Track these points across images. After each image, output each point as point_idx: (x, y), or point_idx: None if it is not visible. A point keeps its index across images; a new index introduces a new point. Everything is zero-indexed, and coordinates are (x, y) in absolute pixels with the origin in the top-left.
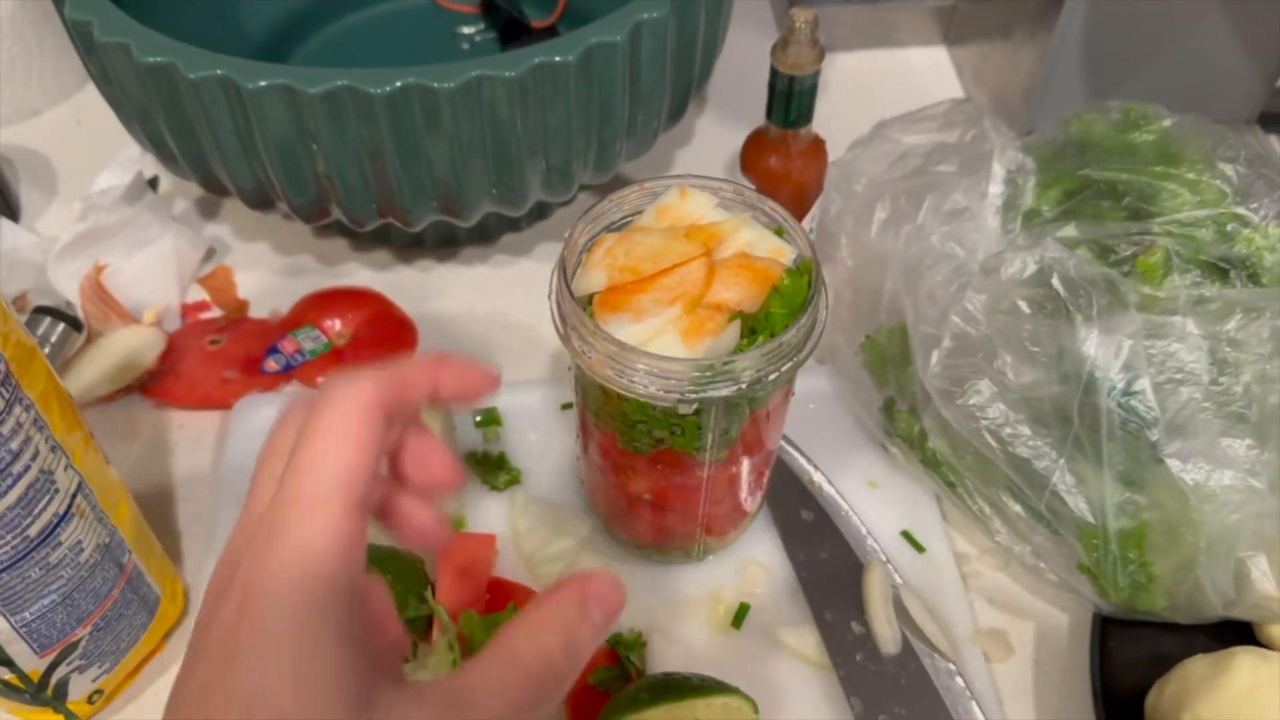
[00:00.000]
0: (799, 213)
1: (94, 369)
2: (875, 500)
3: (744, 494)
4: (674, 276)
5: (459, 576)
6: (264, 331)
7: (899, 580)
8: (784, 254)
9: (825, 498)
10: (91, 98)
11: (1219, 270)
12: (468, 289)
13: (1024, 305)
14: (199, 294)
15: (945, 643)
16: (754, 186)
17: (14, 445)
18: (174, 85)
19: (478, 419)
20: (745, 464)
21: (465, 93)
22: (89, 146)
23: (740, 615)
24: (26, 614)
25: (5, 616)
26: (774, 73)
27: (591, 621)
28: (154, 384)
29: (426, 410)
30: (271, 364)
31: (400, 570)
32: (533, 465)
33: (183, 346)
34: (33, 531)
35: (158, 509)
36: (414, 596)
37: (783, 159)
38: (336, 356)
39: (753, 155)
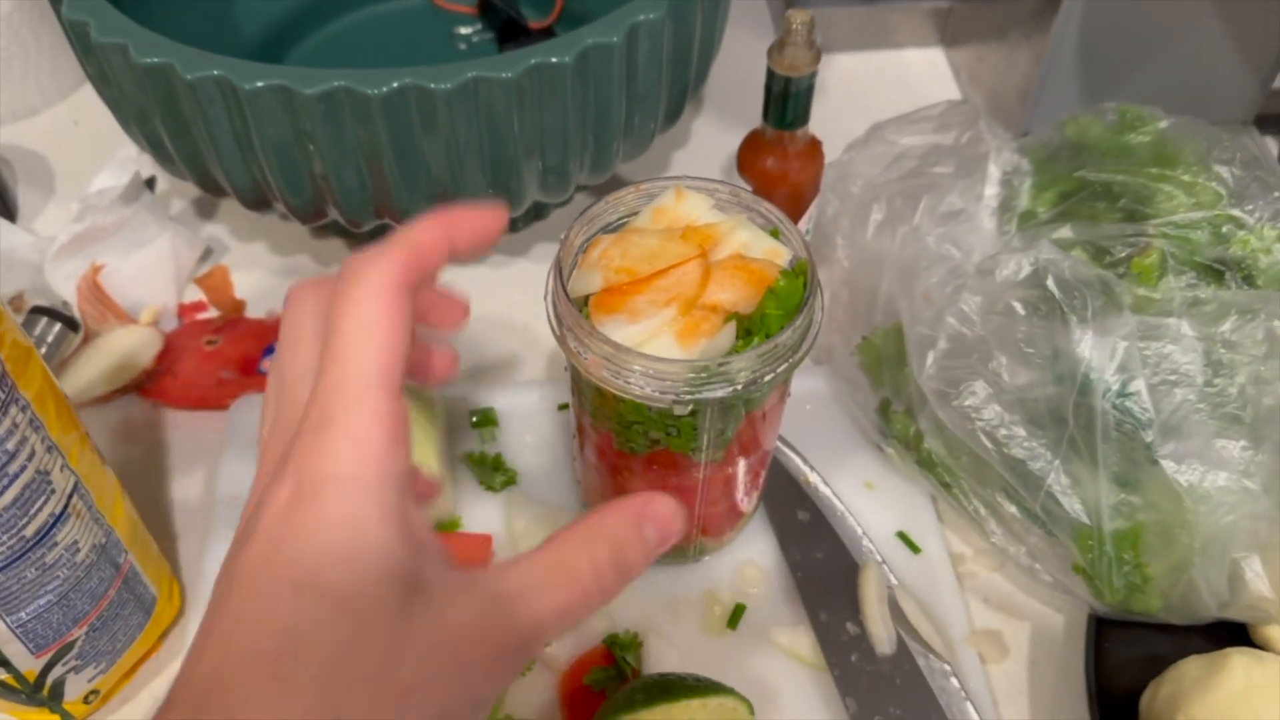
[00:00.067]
0: (795, 214)
1: (91, 369)
2: (871, 501)
3: (740, 495)
4: (670, 278)
5: None
6: (261, 332)
7: (894, 581)
8: (780, 255)
9: (821, 498)
10: (89, 98)
11: (1214, 272)
12: (464, 289)
13: (1019, 307)
14: (196, 294)
15: (940, 643)
16: (751, 188)
17: (10, 445)
18: (171, 86)
19: (474, 419)
20: (741, 465)
21: (462, 94)
22: (86, 147)
23: (736, 616)
24: (22, 614)
25: (1, 617)
26: (770, 74)
27: (645, 541)
28: (151, 384)
29: (417, 414)
30: (268, 364)
31: None
32: (529, 466)
33: (180, 347)
34: (29, 532)
35: (154, 509)
36: None
37: (779, 160)
38: None
39: (749, 156)
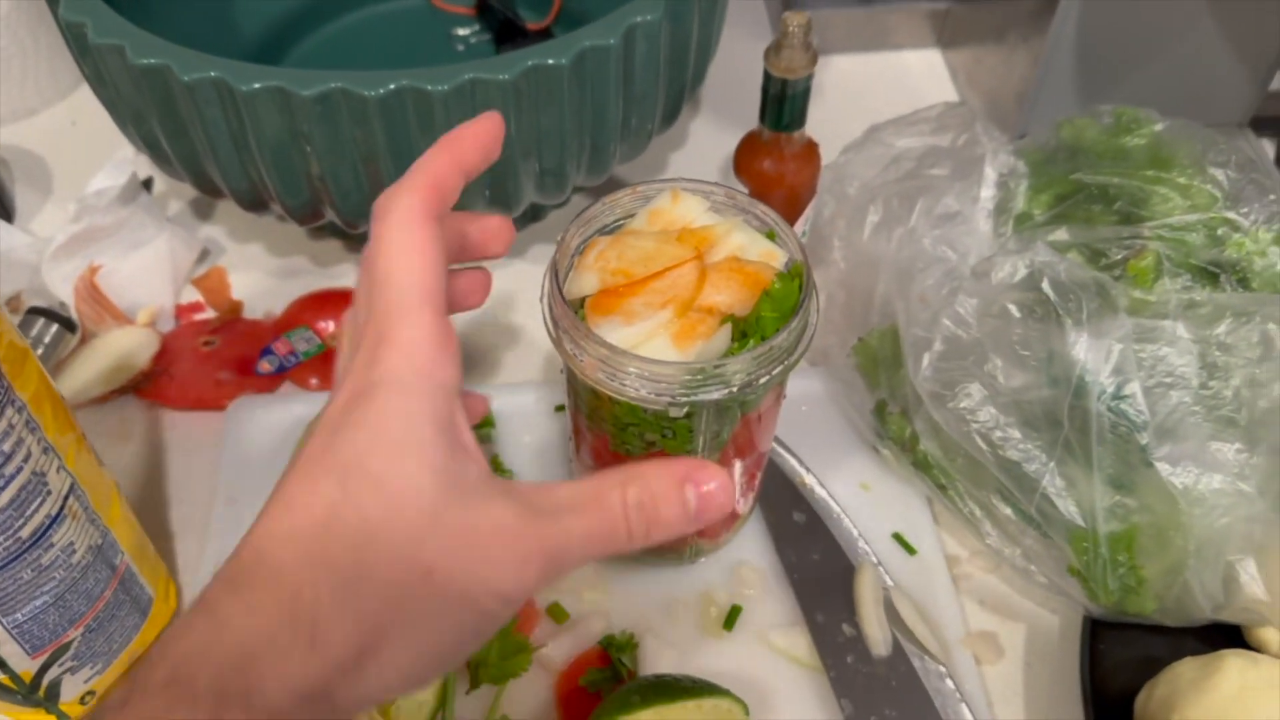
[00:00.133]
0: (792, 216)
1: (88, 370)
2: (867, 502)
3: (736, 496)
4: (665, 280)
5: None
6: (258, 333)
7: (890, 582)
8: (775, 258)
9: (817, 500)
10: (87, 98)
11: (1209, 274)
12: None
13: (1014, 309)
14: (193, 295)
15: (936, 645)
16: (747, 190)
17: (6, 447)
18: (168, 87)
19: None
20: (737, 466)
21: (459, 95)
22: (84, 147)
23: (732, 617)
24: (18, 615)
25: None
26: (767, 76)
27: (685, 502)
28: (148, 385)
29: None
30: (265, 365)
31: None
32: (526, 467)
33: (177, 348)
34: (25, 533)
35: (151, 510)
36: None
37: (776, 162)
38: (329, 358)
39: (746, 158)
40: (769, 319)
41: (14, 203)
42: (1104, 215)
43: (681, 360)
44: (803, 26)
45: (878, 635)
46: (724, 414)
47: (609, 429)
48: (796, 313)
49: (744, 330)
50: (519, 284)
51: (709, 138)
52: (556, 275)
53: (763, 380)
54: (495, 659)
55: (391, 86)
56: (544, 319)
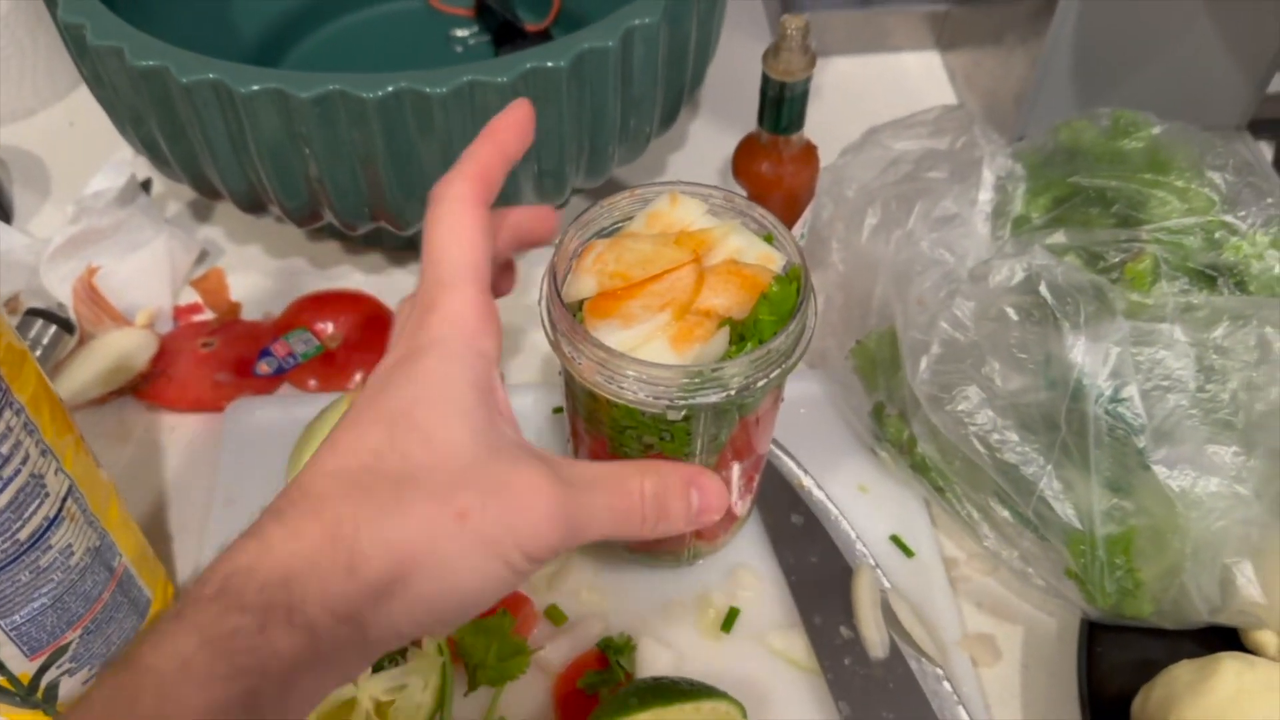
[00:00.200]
0: (790, 218)
1: (86, 371)
2: (865, 504)
3: (734, 498)
4: (663, 283)
5: None
6: (256, 334)
7: (887, 585)
8: (773, 261)
9: (815, 502)
10: (85, 99)
11: (1207, 278)
12: None
13: (1012, 312)
14: (191, 296)
15: (933, 647)
16: (746, 192)
17: (4, 449)
18: (166, 89)
19: None
20: (735, 469)
21: (457, 98)
22: (82, 148)
23: (730, 619)
24: (16, 617)
25: None
26: (765, 79)
27: (688, 501)
28: (146, 386)
29: None
30: (263, 367)
31: None
32: None
33: (175, 349)
34: (23, 535)
35: (149, 511)
36: None
37: (774, 165)
38: (328, 359)
39: (744, 161)
40: (767, 322)
41: (12, 203)
42: (1102, 218)
43: (679, 363)
44: (800, 30)
45: (875, 637)
46: (722, 417)
47: (607, 431)
48: (794, 316)
49: (742, 333)
50: (518, 286)
51: (708, 139)
52: (555, 278)
53: (760, 383)
54: (493, 661)
55: (390, 89)
56: (542, 322)
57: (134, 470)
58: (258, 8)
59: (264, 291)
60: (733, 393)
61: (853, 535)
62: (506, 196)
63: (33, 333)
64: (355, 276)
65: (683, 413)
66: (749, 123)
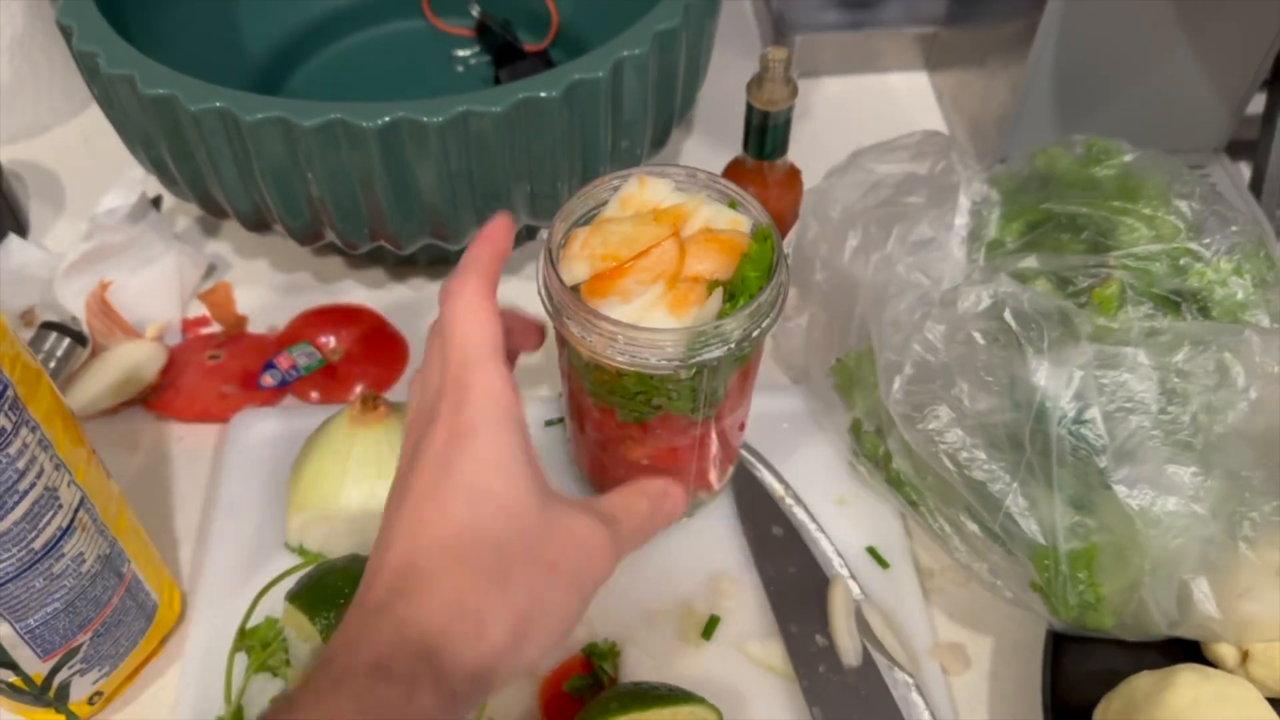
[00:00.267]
0: None
1: (98, 382)
2: (843, 517)
3: (733, 443)
4: (650, 258)
5: None
6: (261, 347)
7: (861, 595)
8: (741, 224)
9: (795, 514)
10: (98, 116)
11: (1171, 303)
12: None
13: (979, 337)
14: (200, 310)
15: (905, 655)
16: None
17: (20, 465)
18: (175, 115)
19: None
20: (731, 418)
21: (453, 126)
22: (96, 163)
23: (710, 627)
24: (31, 621)
25: (10, 623)
26: (750, 108)
27: (664, 510)
28: (155, 397)
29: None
30: (268, 379)
31: None
32: None
33: (183, 361)
34: (37, 544)
35: (157, 518)
36: None
37: (759, 189)
38: (330, 372)
39: None
40: (753, 278)
41: (27, 218)
42: (1072, 244)
43: (684, 326)
44: (782, 61)
45: (848, 646)
46: (718, 372)
47: (618, 400)
48: (775, 269)
49: (732, 292)
50: (515, 300)
51: (700, 161)
52: (554, 268)
53: (755, 334)
54: None
55: (388, 119)
56: (545, 309)
57: (142, 478)
58: (265, 30)
59: (270, 305)
60: (733, 345)
61: (830, 547)
62: None
63: (48, 345)
64: (358, 291)
65: (692, 371)
66: (741, 142)
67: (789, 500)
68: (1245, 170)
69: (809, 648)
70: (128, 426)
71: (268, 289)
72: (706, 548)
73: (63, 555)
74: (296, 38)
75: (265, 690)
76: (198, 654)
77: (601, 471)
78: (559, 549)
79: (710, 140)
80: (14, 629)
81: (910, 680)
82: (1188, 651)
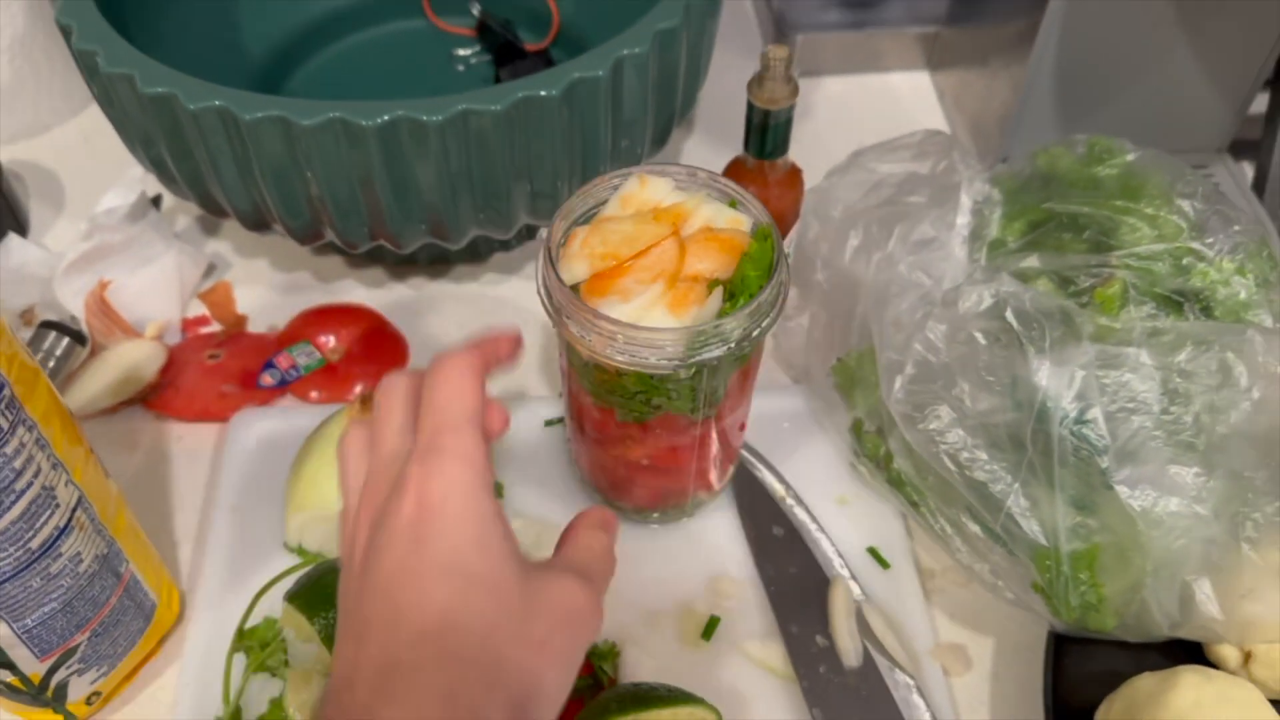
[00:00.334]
0: None
1: (97, 382)
2: (844, 517)
3: (733, 443)
4: (650, 257)
5: None
6: (261, 346)
7: (862, 595)
8: (741, 223)
9: (796, 514)
10: (98, 116)
11: (1174, 303)
12: (458, 306)
13: (980, 337)
14: (199, 309)
15: (905, 656)
16: None
17: (17, 464)
18: (175, 114)
19: None
20: (730, 418)
21: (452, 125)
22: (95, 163)
23: (710, 628)
24: (28, 620)
25: (8, 623)
26: (750, 107)
27: (613, 531)
28: (155, 396)
29: None
30: (267, 378)
31: None
32: (516, 479)
33: (183, 360)
34: (34, 544)
35: (155, 517)
36: None
37: (760, 188)
38: (330, 372)
39: None
40: (753, 277)
41: (28, 217)
42: (1074, 243)
43: (684, 326)
44: (783, 60)
45: (849, 647)
46: (718, 371)
47: (616, 401)
48: (775, 269)
49: (732, 291)
50: (515, 299)
51: (700, 160)
52: (554, 267)
53: (754, 333)
54: None
55: (387, 117)
56: (545, 309)
57: (141, 477)
58: (266, 29)
59: (269, 304)
60: (733, 345)
61: (831, 547)
62: (501, 216)
63: (47, 344)
64: (358, 290)
65: (691, 370)
66: (741, 141)
67: (789, 500)
68: (1248, 170)
69: (809, 648)
70: (127, 426)
71: (267, 288)
72: (706, 548)
73: (60, 555)
74: (296, 38)
75: (264, 690)
76: (196, 654)
77: (601, 471)
78: (546, 625)
79: (711, 139)
80: (11, 629)
81: (911, 681)
82: (1190, 653)
